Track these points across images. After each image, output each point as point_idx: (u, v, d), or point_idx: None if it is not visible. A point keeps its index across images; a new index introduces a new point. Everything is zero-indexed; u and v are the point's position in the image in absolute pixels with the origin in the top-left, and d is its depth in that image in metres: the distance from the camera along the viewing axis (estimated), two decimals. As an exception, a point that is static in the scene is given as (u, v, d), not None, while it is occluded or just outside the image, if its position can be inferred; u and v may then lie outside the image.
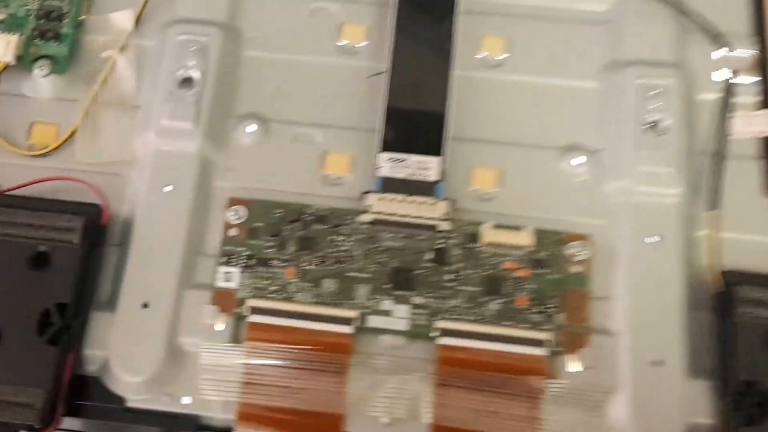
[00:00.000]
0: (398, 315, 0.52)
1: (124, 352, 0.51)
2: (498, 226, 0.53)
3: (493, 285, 0.52)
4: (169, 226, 0.54)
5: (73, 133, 0.57)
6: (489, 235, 0.53)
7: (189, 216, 0.54)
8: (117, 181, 0.57)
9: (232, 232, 0.55)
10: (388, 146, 0.55)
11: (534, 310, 0.51)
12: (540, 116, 0.58)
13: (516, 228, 0.53)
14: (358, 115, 0.57)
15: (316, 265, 0.53)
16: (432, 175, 0.54)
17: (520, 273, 0.52)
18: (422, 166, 0.54)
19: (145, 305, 0.52)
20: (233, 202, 0.55)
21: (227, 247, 0.54)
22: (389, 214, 0.53)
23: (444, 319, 0.51)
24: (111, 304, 0.53)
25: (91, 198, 0.55)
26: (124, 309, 0.52)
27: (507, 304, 0.52)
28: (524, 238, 0.53)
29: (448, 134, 0.55)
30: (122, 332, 0.51)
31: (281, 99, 0.59)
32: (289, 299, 0.52)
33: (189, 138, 0.56)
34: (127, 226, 0.55)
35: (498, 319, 0.51)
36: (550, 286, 0.52)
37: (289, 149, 0.57)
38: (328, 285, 0.53)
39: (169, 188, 0.55)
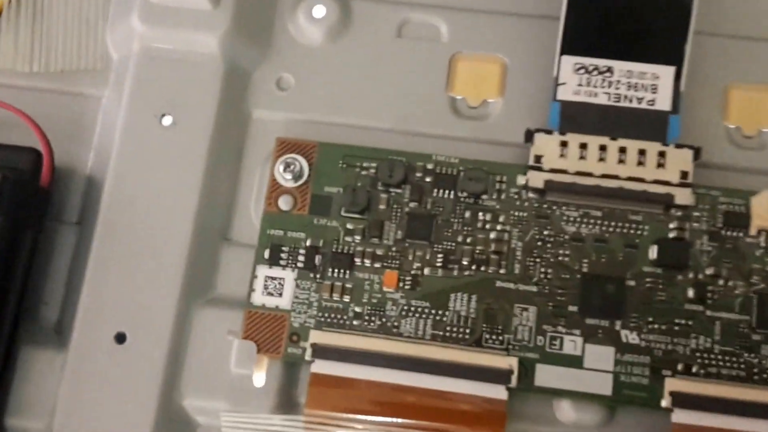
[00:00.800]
0: (592, 365, 0.41)
1: (83, 425, 0.43)
2: None
3: None
4: (167, 192, 0.45)
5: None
6: (767, 214, 0.42)
7: (204, 172, 0.45)
8: (75, 107, 0.48)
9: (283, 202, 0.43)
10: (575, 45, 0.44)
11: None
12: None
13: None
14: None
15: (437, 266, 0.42)
16: (660, 101, 0.42)
17: None
18: (640, 83, 0.43)
19: (121, 337, 0.43)
20: (285, 146, 0.44)
21: (272, 231, 0.44)
22: (577, 175, 0.42)
23: (681, 375, 0.41)
24: (59, 333, 0.46)
25: (25, 139, 0.46)
26: (84, 344, 0.44)
27: None
28: None
29: (691, 24, 0.44)
30: (79, 386, 0.44)
31: None
32: (387, 332, 0.42)
33: (204, 26, 0.46)
34: (91, 192, 0.47)
35: None
36: None
37: (387, 50, 0.48)
38: (460, 306, 0.42)
39: (168, 120, 0.45)
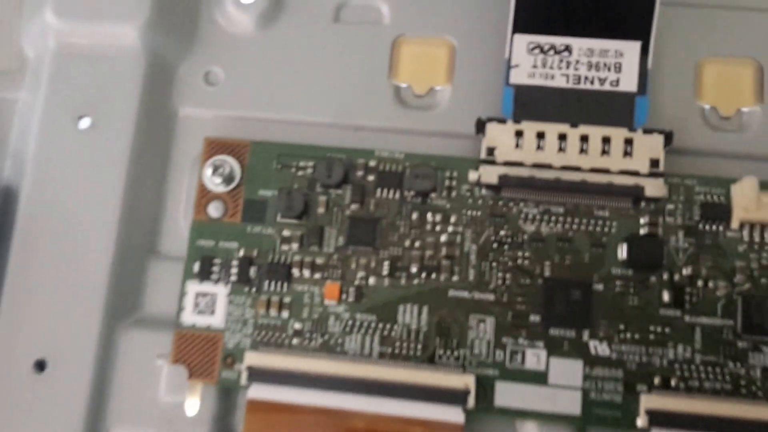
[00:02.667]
0: (558, 381, 0.37)
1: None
2: (766, 185, 0.38)
3: (762, 313, 0.37)
4: (88, 200, 0.41)
5: None
6: (750, 203, 0.37)
7: (127, 178, 0.41)
8: None
9: (213, 209, 0.38)
10: (529, 22, 0.39)
11: None
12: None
13: None
14: None
15: (383, 275, 0.38)
16: (625, 81, 0.37)
17: None
18: (602, 62, 0.38)
19: (40, 365, 0.39)
20: (214, 147, 0.40)
21: (201, 242, 0.39)
22: (534, 167, 0.38)
23: (658, 390, 0.37)
24: None
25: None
26: (0, 372, 0.40)
27: None
28: None
29: None
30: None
31: None
32: (330, 351, 0.38)
33: (123, 17, 0.42)
34: (8, 203, 0.43)
35: None
36: None
37: (324, 36, 0.43)
38: (409, 319, 0.37)
39: (86, 122, 0.41)
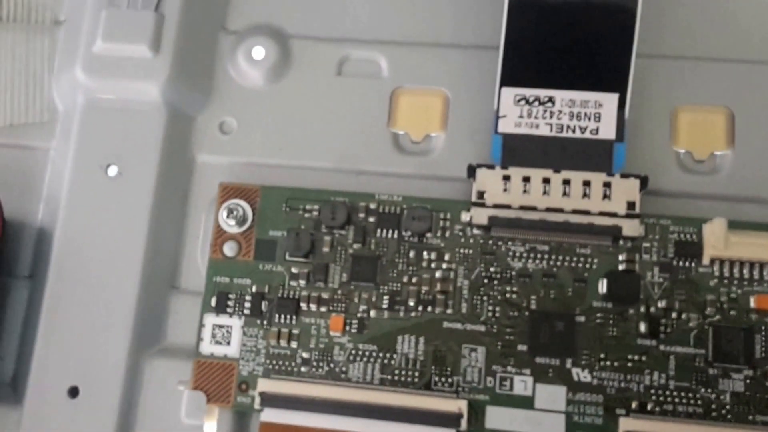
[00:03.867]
0: (544, 405, 0.37)
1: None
2: (736, 225, 0.38)
3: (731, 342, 0.37)
4: (115, 240, 0.41)
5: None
6: (719, 242, 0.37)
7: (149, 220, 0.42)
8: (24, 160, 0.45)
9: (228, 248, 0.39)
10: (515, 76, 0.39)
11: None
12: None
13: None
14: (456, 21, 0.44)
15: (383, 308, 0.39)
16: (604, 129, 0.38)
17: None
18: (583, 112, 0.38)
19: (74, 391, 0.40)
20: (228, 191, 0.41)
21: (218, 278, 0.40)
22: (521, 209, 0.38)
23: (635, 413, 0.37)
24: (14, 389, 0.42)
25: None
26: (38, 398, 0.41)
27: (759, 380, 0.37)
28: None
29: (633, 49, 0.39)
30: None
31: None
32: (335, 378, 0.39)
33: (145, 75, 0.43)
34: (42, 245, 0.43)
35: (742, 413, 0.36)
36: None
37: (328, 88, 0.44)
38: (408, 348, 0.38)
39: (113, 170, 0.42)
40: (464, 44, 0.43)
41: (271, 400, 0.38)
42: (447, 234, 0.39)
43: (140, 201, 0.41)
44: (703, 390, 0.36)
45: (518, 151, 0.39)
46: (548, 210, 0.38)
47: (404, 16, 0.44)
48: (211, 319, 0.39)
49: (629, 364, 0.37)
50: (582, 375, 0.37)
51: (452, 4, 0.44)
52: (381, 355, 0.38)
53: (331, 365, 0.38)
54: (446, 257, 0.39)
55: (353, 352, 0.38)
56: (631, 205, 0.38)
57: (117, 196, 0.41)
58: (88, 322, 0.41)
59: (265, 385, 0.38)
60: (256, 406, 0.38)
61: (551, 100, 0.39)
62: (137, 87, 0.43)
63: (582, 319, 0.37)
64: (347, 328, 0.39)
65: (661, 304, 0.37)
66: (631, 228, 0.37)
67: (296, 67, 0.43)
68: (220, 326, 0.39)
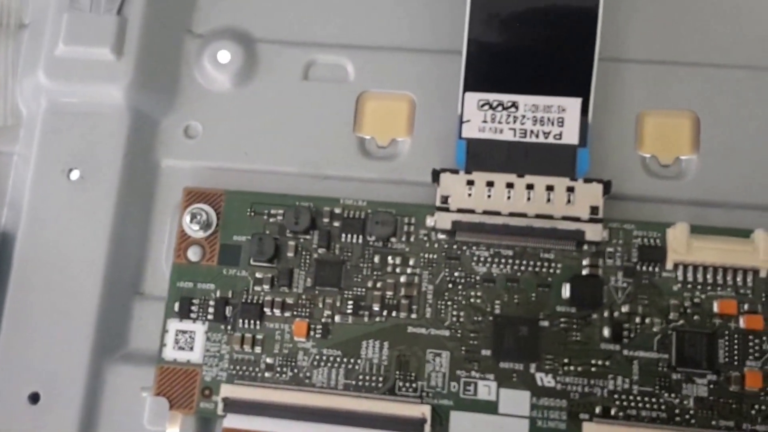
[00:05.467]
0: (508, 410, 0.37)
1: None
2: (700, 230, 0.38)
3: (694, 347, 0.37)
4: (77, 245, 0.41)
5: None
6: (682, 247, 0.37)
7: (112, 225, 0.41)
8: None
9: (192, 253, 0.39)
10: (478, 81, 0.39)
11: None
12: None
13: (739, 232, 0.39)
14: (422, 26, 0.43)
15: (347, 314, 0.38)
16: (567, 134, 0.38)
17: (749, 322, 0.37)
18: (546, 117, 0.38)
19: (35, 397, 0.39)
20: (192, 196, 0.40)
21: (181, 283, 0.40)
22: (485, 214, 0.38)
23: (599, 418, 0.37)
24: None
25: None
26: None
27: (722, 385, 0.37)
28: (757, 252, 0.37)
29: (596, 53, 0.39)
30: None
31: (275, 1, 0.45)
32: (299, 383, 0.38)
33: (109, 78, 0.42)
34: (5, 249, 0.43)
35: (705, 417, 0.36)
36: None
37: (294, 92, 0.43)
38: (372, 353, 0.38)
39: (75, 174, 0.41)
40: (430, 49, 0.42)
41: (234, 406, 0.38)
42: (411, 239, 0.39)
43: (103, 205, 0.40)
44: (666, 395, 0.36)
45: (482, 155, 0.38)
46: (512, 215, 0.37)
47: (371, 21, 0.43)
48: (174, 325, 0.39)
49: (593, 369, 0.37)
50: (546, 380, 0.37)
51: (418, 8, 0.43)
52: (345, 360, 0.38)
53: (295, 370, 0.38)
54: (411, 262, 0.38)
55: (317, 357, 0.38)
56: (594, 210, 0.37)
57: (79, 200, 0.41)
58: (49, 327, 0.40)
59: (228, 390, 0.38)
60: (219, 412, 0.38)
61: (515, 105, 0.38)
62: (100, 90, 0.42)
63: (546, 323, 0.37)
64: (311, 333, 0.38)
65: (625, 308, 0.37)
66: (594, 232, 0.37)
67: (262, 71, 0.43)
68: (184, 332, 0.39)
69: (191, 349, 0.38)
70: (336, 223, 0.39)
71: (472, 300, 0.37)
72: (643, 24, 0.42)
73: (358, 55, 0.43)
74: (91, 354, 0.39)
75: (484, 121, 0.38)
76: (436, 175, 0.38)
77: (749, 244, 0.37)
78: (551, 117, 0.38)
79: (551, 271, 0.37)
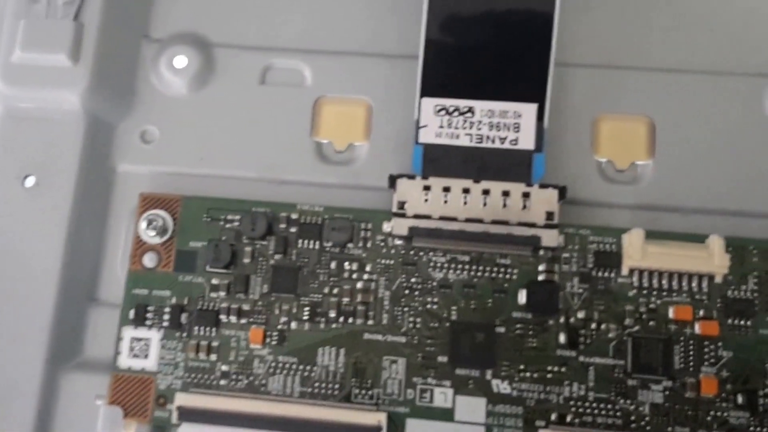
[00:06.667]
0: (464, 417, 0.36)
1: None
2: (655, 235, 0.37)
3: (650, 353, 0.36)
4: (32, 252, 0.40)
5: None
6: (637, 252, 0.37)
7: (68, 231, 0.40)
8: None
9: (147, 260, 0.38)
10: (435, 86, 0.39)
11: (730, 404, 0.36)
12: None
13: (694, 237, 0.38)
14: (379, 31, 0.43)
15: (303, 320, 0.37)
16: (523, 140, 0.37)
17: (705, 328, 0.37)
18: (502, 122, 0.37)
19: None
20: (148, 201, 0.40)
21: (137, 290, 0.39)
22: (441, 220, 0.37)
23: (555, 425, 0.36)
24: None
25: None
26: None
27: (677, 392, 0.36)
28: (712, 258, 0.37)
29: (551, 59, 0.39)
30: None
31: (233, 6, 0.44)
32: (254, 391, 0.38)
33: (65, 83, 0.41)
34: None
35: (661, 424, 0.36)
36: (765, 352, 0.37)
37: (251, 97, 0.43)
38: (328, 360, 0.37)
39: (31, 181, 0.40)
40: (387, 54, 0.42)
41: (189, 415, 0.37)
42: (368, 244, 0.38)
43: (58, 212, 0.40)
44: (622, 401, 0.36)
45: (439, 161, 0.38)
46: (468, 220, 0.37)
47: (328, 26, 0.43)
48: (129, 332, 0.38)
49: (549, 376, 0.36)
50: (502, 386, 0.36)
51: (375, 13, 0.43)
52: (301, 367, 0.37)
53: (251, 378, 0.37)
54: (367, 268, 0.38)
55: (273, 364, 0.37)
56: (549, 215, 0.37)
57: (34, 207, 0.40)
58: (2, 335, 0.39)
59: (183, 399, 0.37)
60: (174, 420, 0.37)
61: (471, 110, 0.38)
62: (56, 96, 0.41)
63: (502, 330, 0.37)
64: (267, 340, 0.37)
65: (581, 314, 0.37)
66: (550, 238, 0.37)
67: (219, 76, 0.42)
68: (139, 339, 0.38)
69: (146, 356, 0.38)
70: (293, 229, 0.38)
71: (428, 306, 0.37)
72: (598, 29, 0.41)
73: (315, 60, 0.42)
74: (45, 362, 0.38)
75: (441, 127, 0.38)
76: (392, 181, 0.38)
77: (704, 249, 0.36)
78: (507, 122, 0.37)
79: (507, 276, 0.37)
